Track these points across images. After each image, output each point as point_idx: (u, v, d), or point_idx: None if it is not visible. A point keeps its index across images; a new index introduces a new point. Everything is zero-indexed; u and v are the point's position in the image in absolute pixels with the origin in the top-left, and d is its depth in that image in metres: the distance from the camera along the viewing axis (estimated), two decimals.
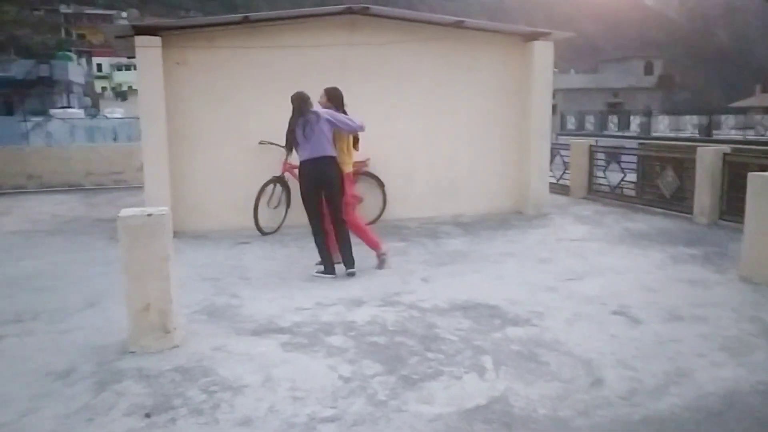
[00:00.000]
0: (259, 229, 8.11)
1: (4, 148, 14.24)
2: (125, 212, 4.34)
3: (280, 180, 8.22)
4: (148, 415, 3.37)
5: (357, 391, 3.62)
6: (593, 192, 11.20)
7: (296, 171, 8.27)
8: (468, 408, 3.40)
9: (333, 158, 6.08)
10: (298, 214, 8.41)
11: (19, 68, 37.52)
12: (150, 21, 7.93)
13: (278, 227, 8.26)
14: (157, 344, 4.28)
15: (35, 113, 28.92)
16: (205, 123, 8.31)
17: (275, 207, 8.27)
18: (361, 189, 8.64)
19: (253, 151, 8.38)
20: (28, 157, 13.87)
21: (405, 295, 5.44)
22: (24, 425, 3.30)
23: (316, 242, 6.24)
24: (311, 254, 7.02)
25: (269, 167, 8.22)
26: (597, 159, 11.37)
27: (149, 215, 4.27)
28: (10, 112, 33.36)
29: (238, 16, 8.07)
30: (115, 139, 22.59)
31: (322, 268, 6.18)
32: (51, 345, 4.44)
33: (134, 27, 7.56)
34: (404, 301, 5.29)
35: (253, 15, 8.12)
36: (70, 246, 7.83)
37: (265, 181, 8.15)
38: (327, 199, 6.14)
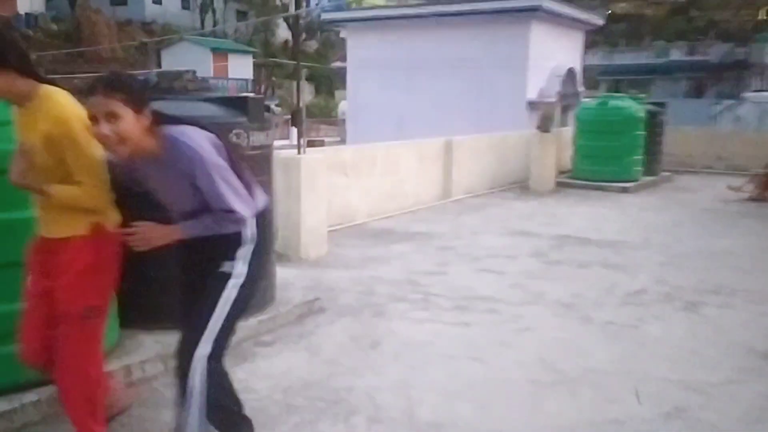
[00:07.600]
0: None
1: (696, 129, 14.82)
2: None
3: None
4: None
5: None
6: None
7: None
8: None
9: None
10: None
11: (716, 52, 38.10)
12: None
13: None
14: None
15: (726, 96, 28.98)
16: None
17: None
18: None
19: None
20: (718, 139, 14.09)
21: None
22: (731, 390, 3.42)
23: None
24: None
25: None
26: None
27: None
28: (700, 94, 34.46)
29: None
30: None
31: None
32: (751, 323, 4.44)
33: None
34: None
35: None
36: (761, 230, 7.62)
37: None
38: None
